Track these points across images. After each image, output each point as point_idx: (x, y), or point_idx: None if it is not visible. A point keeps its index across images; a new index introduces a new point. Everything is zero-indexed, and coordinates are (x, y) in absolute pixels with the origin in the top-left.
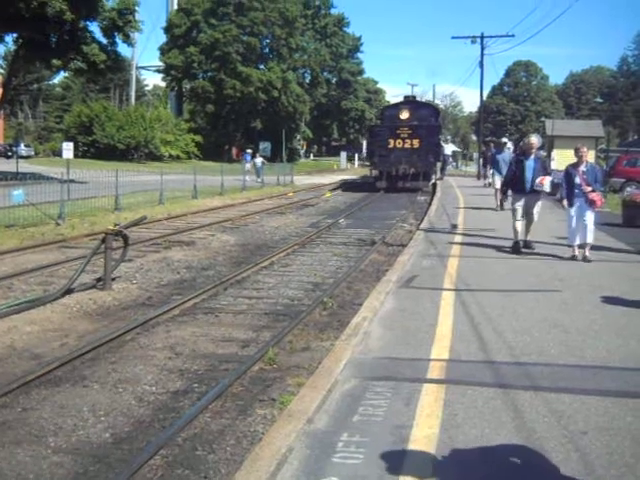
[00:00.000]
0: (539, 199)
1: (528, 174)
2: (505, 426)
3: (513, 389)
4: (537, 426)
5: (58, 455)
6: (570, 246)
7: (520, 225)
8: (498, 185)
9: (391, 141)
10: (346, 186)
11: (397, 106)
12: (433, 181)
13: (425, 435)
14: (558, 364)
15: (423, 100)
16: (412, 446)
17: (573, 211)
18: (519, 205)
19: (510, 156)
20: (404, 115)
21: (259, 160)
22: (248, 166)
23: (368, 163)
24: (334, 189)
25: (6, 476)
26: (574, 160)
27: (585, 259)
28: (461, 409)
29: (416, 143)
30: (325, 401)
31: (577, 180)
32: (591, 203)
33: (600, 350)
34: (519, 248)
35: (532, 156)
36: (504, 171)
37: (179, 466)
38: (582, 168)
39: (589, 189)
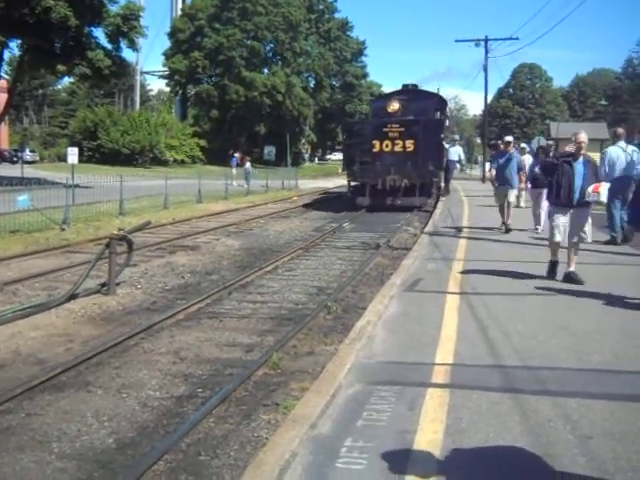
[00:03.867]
0: (589, 213)
1: (577, 182)
2: (510, 431)
3: (519, 393)
4: (543, 431)
5: (62, 461)
6: None
7: (558, 247)
8: (510, 197)
9: (376, 143)
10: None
11: (388, 97)
12: (434, 197)
13: (429, 440)
14: (564, 368)
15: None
16: (416, 451)
17: None
18: (562, 222)
19: (518, 158)
20: (393, 107)
21: (249, 165)
22: (235, 171)
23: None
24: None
25: None
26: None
27: None
28: (466, 414)
29: (410, 145)
30: (329, 406)
31: None
32: None
33: (606, 354)
34: (555, 272)
35: (581, 159)
36: (508, 181)
37: (182, 472)
38: None
39: None
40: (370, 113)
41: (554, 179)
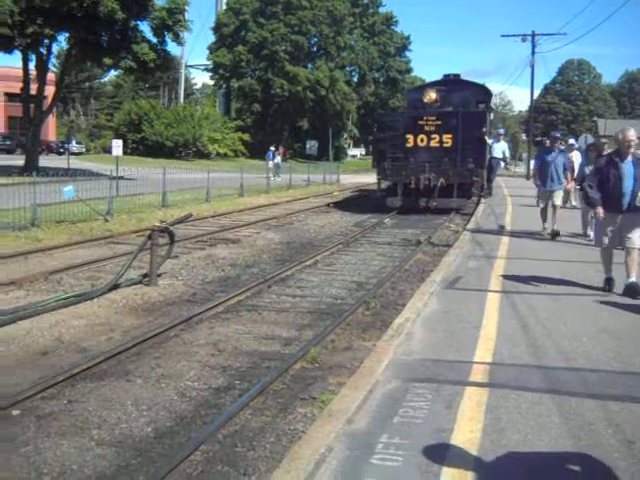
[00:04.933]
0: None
1: (627, 184)
2: (549, 432)
3: (559, 394)
4: (582, 434)
5: (101, 447)
6: None
7: (610, 256)
8: (556, 200)
9: (410, 137)
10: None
11: (425, 87)
12: (474, 198)
13: (466, 439)
14: (607, 370)
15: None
16: (453, 450)
17: None
18: (610, 229)
19: (565, 156)
20: (430, 97)
21: (278, 158)
22: (271, 164)
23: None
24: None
25: (50, 466)
26: None
27: None
28: (504, 413)
29: (448, 140)
30: (366, 401)
31: None
32: None
33: None
34: (612, 286)
35: (629, 157)
36: (554, 181)
37: (219, 462)
38: None
39: None
40: (405, 104)
41: (603, 181)
